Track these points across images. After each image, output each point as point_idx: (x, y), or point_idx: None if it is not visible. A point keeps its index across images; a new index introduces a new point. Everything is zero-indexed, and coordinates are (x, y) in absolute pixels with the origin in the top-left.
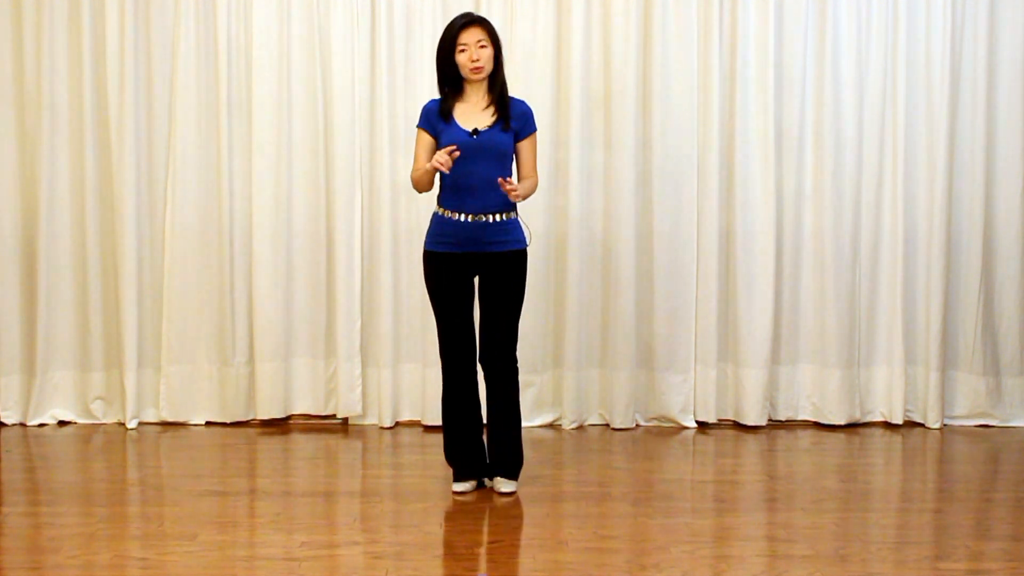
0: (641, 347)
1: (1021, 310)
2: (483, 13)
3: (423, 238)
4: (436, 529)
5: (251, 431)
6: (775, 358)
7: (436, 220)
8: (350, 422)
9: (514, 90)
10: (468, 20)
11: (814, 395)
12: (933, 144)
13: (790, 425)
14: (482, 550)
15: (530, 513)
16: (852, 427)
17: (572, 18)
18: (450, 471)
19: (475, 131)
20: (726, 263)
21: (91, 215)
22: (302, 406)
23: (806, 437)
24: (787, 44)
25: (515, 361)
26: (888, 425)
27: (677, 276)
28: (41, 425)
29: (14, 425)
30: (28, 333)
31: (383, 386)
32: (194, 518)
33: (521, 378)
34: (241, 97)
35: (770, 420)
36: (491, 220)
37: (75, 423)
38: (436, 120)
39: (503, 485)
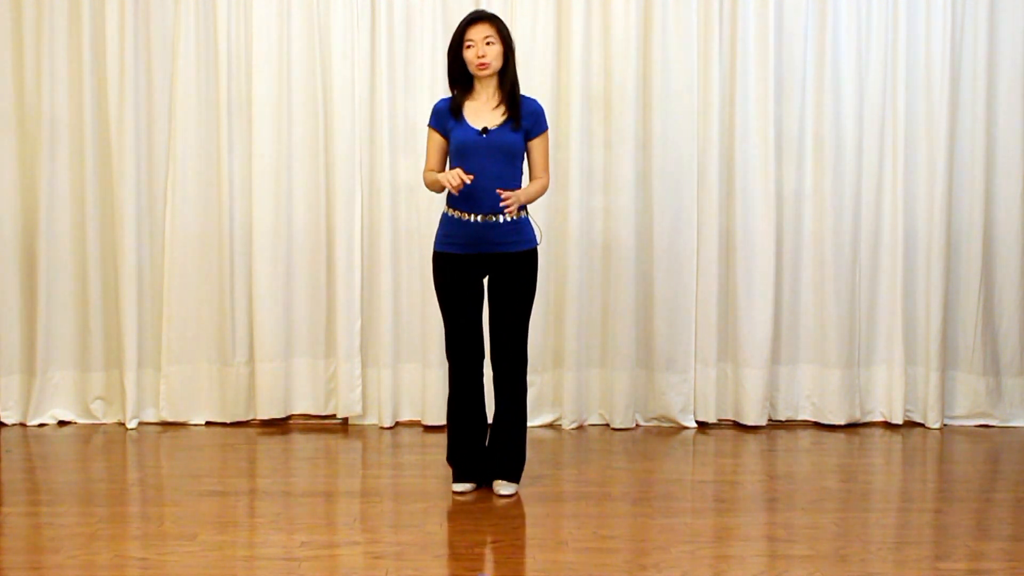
0: (641, 347)
1: (1021, 310)
2: None
3: (423, 238)
4: (436, 529)
5: (251, 431)
6: (775, 358)
7: (445, 220)
8: (350, 422)
9: None
10: (476, 16)
11: (814, 395)
12: (933, 144)
13: (790, 425)
14: (482, 550)
15: (530, 513)
16: (852, 427)
17: (572, 18)
18: (450, 471)
19: (485, 130)
20: (726, 263)
21: (91, 215)
22: (302, 406)
23: (806, 437)
24: (787, 44)
25: (524, 362)
26: (888, 425)
27: (677, 276)
28: (41, 425)
29: (14, 425)
30: (28, 333)
31: (383, 386)
32: (194, 518)
33: None
34: (241, 97)
35: (770, 420)
36: (501, 220)
37: (75, 423)
38: (446, 118)
39: (504, 487)
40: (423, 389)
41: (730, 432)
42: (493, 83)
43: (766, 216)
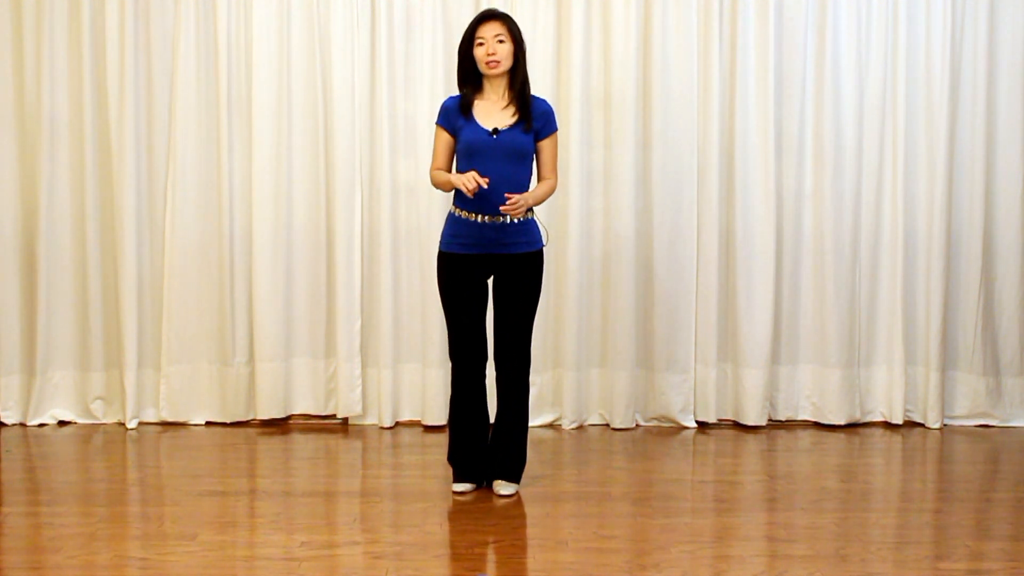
0: (641, 347)
1: (1021, 310)
2: None
3: (423, 238)
4: (436, 529)
5: (251, 431)
6: (775, 358)
7: (452, 220)
8: (350, 422)
9: None
10: (488, 14)
11: (814, 395)
12: (933, 144)
13: (790, 425)
14: (482, 550)
15: (530, 513)
16: (852, 427)
17: (572, 18)
18: (450, 471)
19: (495, 130)
20: (726, 263)
21: (91, 215)
22: (302, 406)
23: (806, 437)
24: (787, 44)
25: (528, 363)
26: (888, 425)
27: (677, 276)
28: (41, 425)
29: (14, 425)
30: (28, 333)
31: (383, 386)
32: (194, 518)
33: None
34: (241, 97)
35: (770, 420)
36: (508, 221)
37: (75, 423)
38: (455, 117)
39: (504, 487)
40: (423, 389)
41: (730, 432)
42: (503, 82)
43: (766, 216)
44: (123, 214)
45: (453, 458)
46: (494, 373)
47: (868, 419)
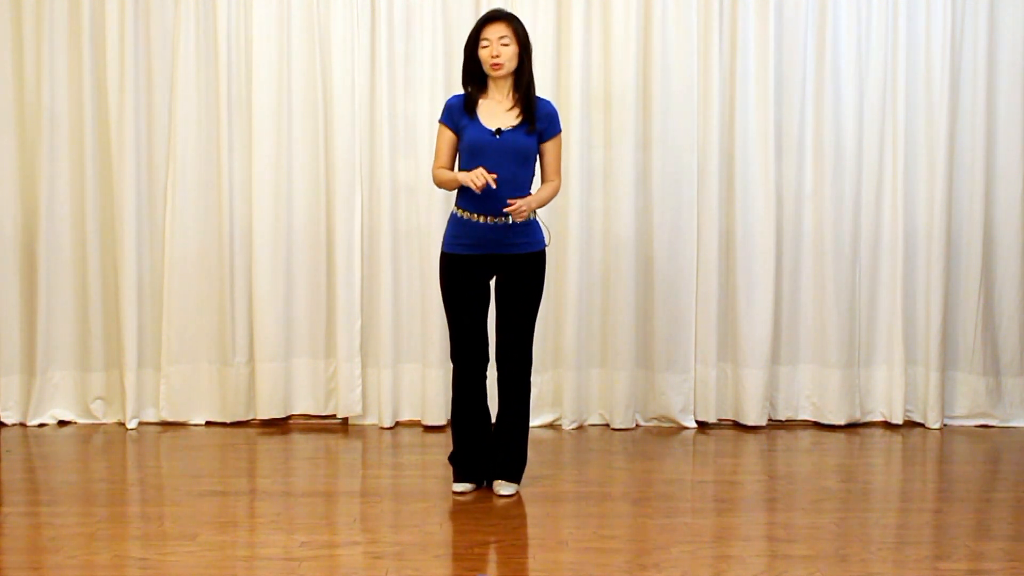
0: (641, 347)
1: (1021, 310)
2: (480, 13)
3: (423, 238)
4: (436, 529)
5: (251, 431)
6: (775, 358)
7: (454, 221)
8: (350, 422)
9: None
10: (492, 16)
11: (814, 395)
12: (933, 144)
13: (790, 425)
14: (482, 550)
15: (530, 513)
16: (852, 427)
17: (572, 18)
18: (450, 471)
19: (498, 131)
20: (726, 263)
21: (91, 215)
22: (302, 406)
23: (806, 437)
24: (787, 44)
25: (529, 364)
26: (888, 425)
27: (677, 276)
28: (41, 425)
29: (14, 425)
30: (28, 333)
31: (383, 386)
32: (194, 518)
33: None
34: (241, 97)
35: (770, 420)
36: (510, 221)
37: (75, 423)
38: (459, 116)
39: (504, 487)
40: (423, 389)
41: (730, 432)
42: (508, 83)
43: (766, 216)
44: (123, 214)
45: (453, 458)
46: (494, 373)
47: (868, 419)
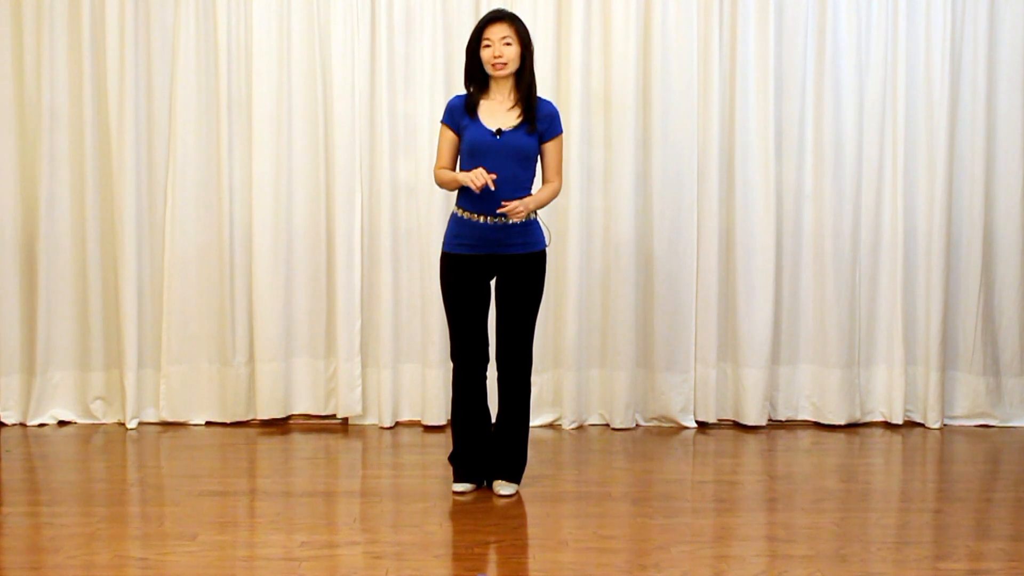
0: (641, 347)
1: (1021, 310)
2: (480, 13)
3: (423, 238)
4: (436, 529)
5: (251, 431)
6: (775, 358)
7: (455, 221)
8: (350, 422)
9: None
10: (495, 16)
11: (814, 395)
12: (933, 144)
13: (790, 425)
14: (482, 550)
15: (530, 513)
16: (852, 427)
17: (572, 18)
18: (450, 471)
19: (499, 131)
20: (726, 263)
21: (91, 215)
22: (302, 406)
23: (806, 437)
24: (787, 44)
25: (529, 364)
26: (888, 425)
27: (677, 276)
28: (41, 425)
29: (14, 425)
30: (28, 333)
31: (383, 386)
32: (194, 518)
33: None
34: (241, 97)
35: (770, 420)
36: (511, 222)
37: (75, 423)
38: (460, 116)
39: (504, 487)
40: (423, 389)
41: (730, 432)
42: (509, 84)
43: (766, 216)
44: (123, 214)
45: (453, 458)
46: (495, 373)
47: (868, 419)
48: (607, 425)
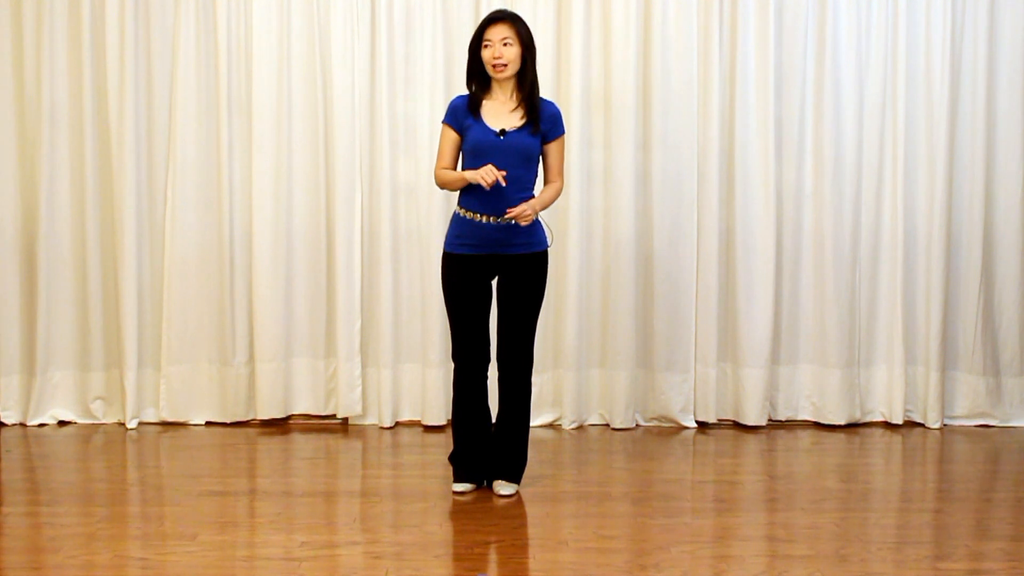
0: (641, 347)
1: (1021, 310)
2: (480, 13)
3: (423, 238)
4: (436, 529)
5: (251, 431)
6: (775, 358)
7: (456, 221)
8: (350, 422)
9: None
10: (496, 16)
11: (814, 395)
12: (933, 144)
13: (790, 425)
14: (482, 550)
15: (530, 513)
16: (852, 427)
17: (572, 18)
18: (450, 471)
19: (502, 132)
20: (726, 263)
21: (91, 215)
22: (302, 406)
23: (806, 437)
24: (787, 44)
25: (530, 364)
26: (888, 425)
27: (677, 276)
28: (41, 425)
29: (14, 425)
30: (28, 333)
31: (383, 386)
32: (194, 518)
33: None
34: (241, 97)
35: (770, 420)
36: (513, 222)
37: (75, 423)
38: (463, 116)
39: (504, 487)
40: (423, 389)
41: (730, 432)
42: (511, 84)
43: (766, 216)
44: (123, 214)
45: (453, 458)
46: (495, 373)
47: (868, 419)
48: (607, 425)
